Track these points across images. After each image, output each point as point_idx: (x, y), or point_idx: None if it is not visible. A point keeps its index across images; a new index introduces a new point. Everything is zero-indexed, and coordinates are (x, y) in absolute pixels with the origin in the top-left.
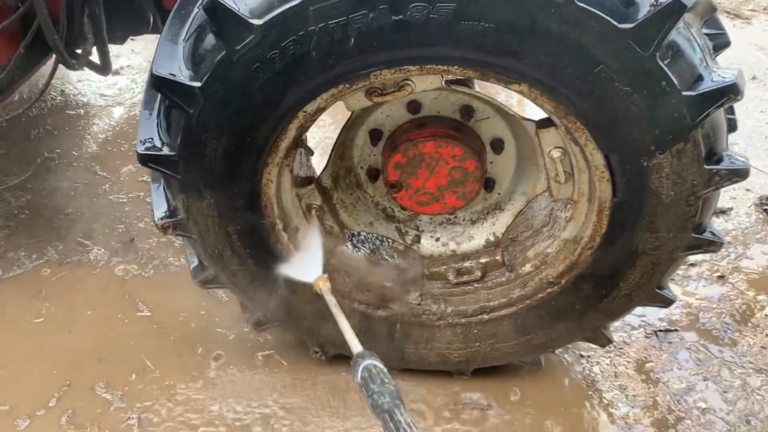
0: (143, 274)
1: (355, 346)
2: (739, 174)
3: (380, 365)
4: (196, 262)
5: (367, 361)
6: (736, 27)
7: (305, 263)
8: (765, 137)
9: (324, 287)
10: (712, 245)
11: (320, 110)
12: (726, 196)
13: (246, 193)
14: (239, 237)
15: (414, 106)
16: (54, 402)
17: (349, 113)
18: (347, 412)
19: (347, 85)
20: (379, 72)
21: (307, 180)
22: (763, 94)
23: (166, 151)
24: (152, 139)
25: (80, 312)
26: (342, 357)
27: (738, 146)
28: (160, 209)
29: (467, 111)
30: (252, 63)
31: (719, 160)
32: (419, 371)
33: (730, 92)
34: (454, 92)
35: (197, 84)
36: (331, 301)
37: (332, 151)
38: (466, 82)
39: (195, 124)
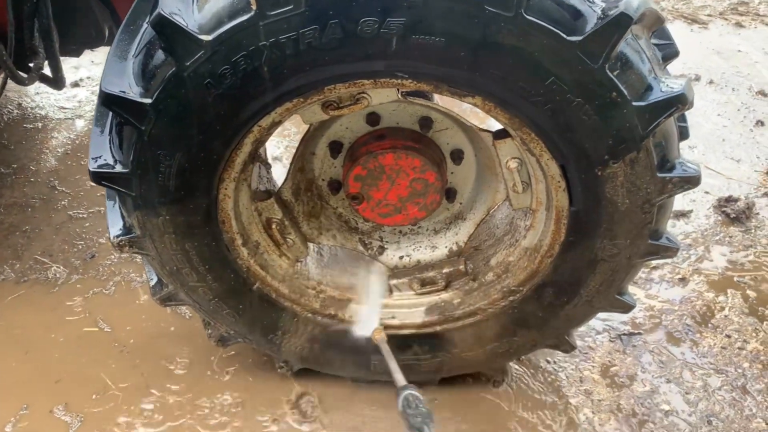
0: (104, 291)
1: (400, 380)
2: (691, 181)
3: (417, 393)
4: (155, 280)
5: (407, 392)
6: (693, 32)
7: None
8: (722, 140)
9: (380, 338)
10: (668, 251)
11: (276, 124)
12: (686, 199)
13: (202, 209)
14: (197, 253)
15: (373, 117)
16: (10, 427)
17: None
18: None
19: (301, 99)
20: (333, 86)
21: (267, 194)
22: (720, 98)
23: (119, 168)
24: (105, 156)
25: (38, 332)
26: (306, 371)
27: (696, 149)
28: (116, 227)
29: (426, 122)
30: (203, 79)
31: (672, 168)
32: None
33: (678, 102)
34: (412, 104)
35: (148, 101)
36: (385, 349)
37: (291, 163)
38: (424, 94)
39: (147, 140)
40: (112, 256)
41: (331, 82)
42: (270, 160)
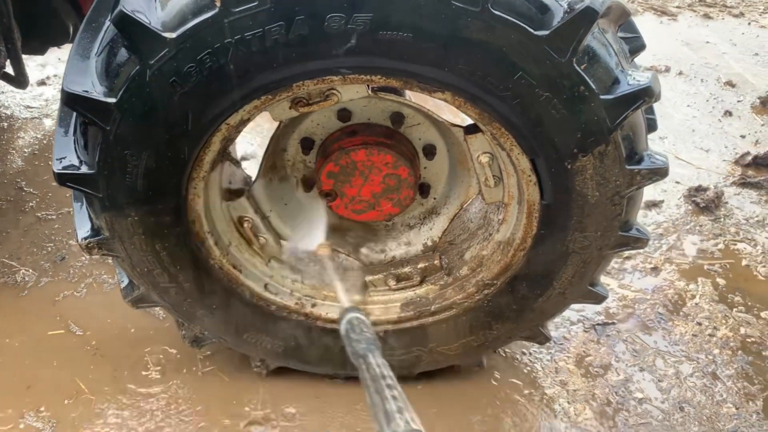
0: (75, 293)
1: (345, 301)
2: (659, 173)
3: (362, 317)
4: (126, 282)
5: (351, 315)
6: (663, 24)
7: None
8: (692, 131)
9: (324, 253)
10: (639, 242)
11: (244, 122)
12: (657, 189)
13: (172, 209)
14: (168, 254)
15: (344, 114)
16: None
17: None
18: None
19: (270, 97)
20: (301, 83)
21: (238, 192)
22: (689, 89)
23: (84, 169)
24: (69, 157)
25: (7, 337)
26: (283, 369)
27: (667, 140)
28: (84, 228)
29: (398, 118)
30: (168, 77)
31: (640, 160)
32: None
33: (645, 95)
34: (383, 100)
35: (112, 100)
36: (329, 265)
37: (262, 161)
38: (395, 90)
39: (113, 140)
40: (83, 258)
41: (299, 78)
42: (243, 158)
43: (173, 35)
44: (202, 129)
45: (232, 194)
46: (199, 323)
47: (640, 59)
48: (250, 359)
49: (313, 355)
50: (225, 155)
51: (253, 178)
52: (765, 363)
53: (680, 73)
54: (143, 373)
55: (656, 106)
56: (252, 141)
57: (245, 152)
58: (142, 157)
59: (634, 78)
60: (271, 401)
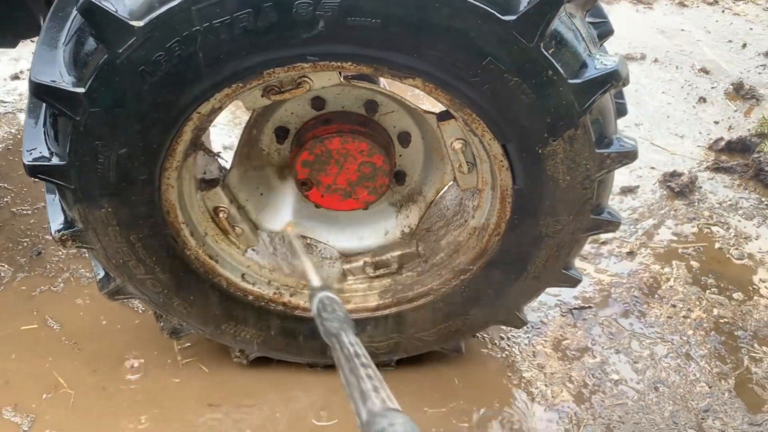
0: (52, 288)
1: (314, 280)
2: (629, 156)
3: (334, 296)
4: (102, 274)
5: (321, 294)
6: (638, 12)
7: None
8: (667, 117)
9: (292, 232)
10: (610, 225)
11: (216, 110)
12: (633, 175)
13: (145, 199)
14: (143, 245)
15: (318, 102)
16: None
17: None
18: None
19: (240, 85)
20: (271, 70)
21: (212, 182)
22: (665, 76)
23: (55, 160)
24: (40, 148)
25: None
26: (263, 359)
27: (642, 126)
28: (57, 221)
29: (372, 106)
30: (137, 66)
31: (609, 144)
32: None
33: (613, 78)
34: (357, 87)
35: (81, 90)
36: (297, 244)
37: (237, 151)
38: (369, 77)
39: (83, 131)
40: (60, 253)
41: (269, 66)
42: (222, 149)
43: (141, 23)
44: (174, 118)
45: (206, 184)
46: (177, 314)
47: (616, 46)
48: (230, 350)
49: (293, 344)
50: (198, 145)
51: (228, 168)
52: (737, 343)
53: (656, 61)
54: (122, 366)
55: (632, 93)
56: (230, 133)
57: (224, 144)
58: (114, 148)
59: (602, 62)
60: (251, 390)
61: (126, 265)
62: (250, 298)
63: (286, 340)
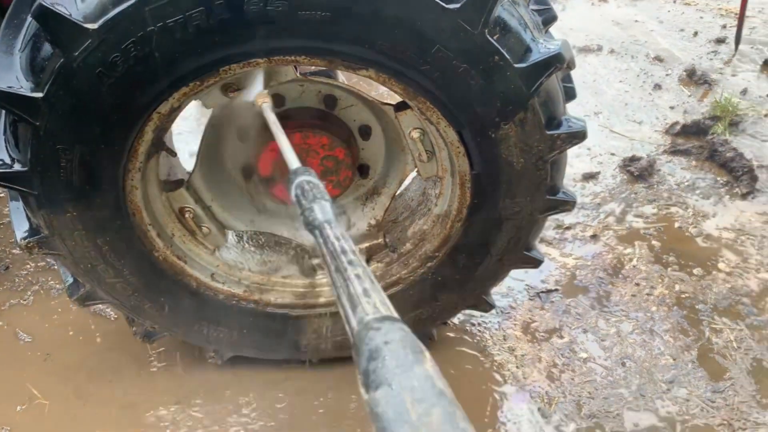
0: (22, 301)
1: (292, 161)
2: (578, 136)
3: (315, 180)
4: (70, 280)
5: (300, 178)
6: (594, 5)
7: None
8: (625, 104)
9: (263, 103)
10: (566, 204)
11: (175, 110)
12: (594, 162)
13: (110, 202)
14: (111, 248)
15: (278, 99)
16: None
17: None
18: None
19: (198, 83)
20: (227, 67)
21: (177, 183)
22: (621, 65)
23: (17, 167)
24: (1, 155)
25: None
26: (238, 358)
27: (602, 115)
28: (22, 228)
29: (331, 100)
30: (94, 68)
31: (559, 125)
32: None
33: (557, 61)
34: (315, 83)
35: (39, 95)
36: (270, 118)
37: (199, 150)
38: (327, 72)
39: (44, 136)
40: (28, 266)
41: (224, 63)
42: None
43: (95, 26)
44: (133, 119)
45: (171, 185)
46: (149, 317)
47: (573, 39)
48: (204, 350)
49: (266, 341)
50: (160, 145)
51: (191, 169)
52: (698, 316)
53: (612, 51)
54: (96, 375)
55: (590, 83)
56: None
57: (190, 151)
58: (75, 151)
59: (546, 46)
60: (225, 389)
61: (94, 270)
62: (221, 297)
63: (260, 337)
